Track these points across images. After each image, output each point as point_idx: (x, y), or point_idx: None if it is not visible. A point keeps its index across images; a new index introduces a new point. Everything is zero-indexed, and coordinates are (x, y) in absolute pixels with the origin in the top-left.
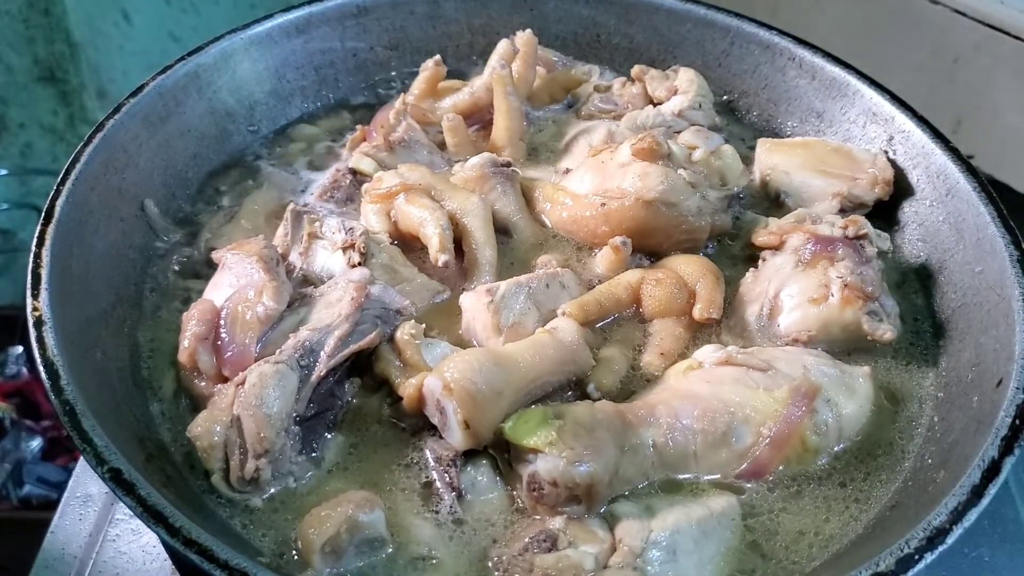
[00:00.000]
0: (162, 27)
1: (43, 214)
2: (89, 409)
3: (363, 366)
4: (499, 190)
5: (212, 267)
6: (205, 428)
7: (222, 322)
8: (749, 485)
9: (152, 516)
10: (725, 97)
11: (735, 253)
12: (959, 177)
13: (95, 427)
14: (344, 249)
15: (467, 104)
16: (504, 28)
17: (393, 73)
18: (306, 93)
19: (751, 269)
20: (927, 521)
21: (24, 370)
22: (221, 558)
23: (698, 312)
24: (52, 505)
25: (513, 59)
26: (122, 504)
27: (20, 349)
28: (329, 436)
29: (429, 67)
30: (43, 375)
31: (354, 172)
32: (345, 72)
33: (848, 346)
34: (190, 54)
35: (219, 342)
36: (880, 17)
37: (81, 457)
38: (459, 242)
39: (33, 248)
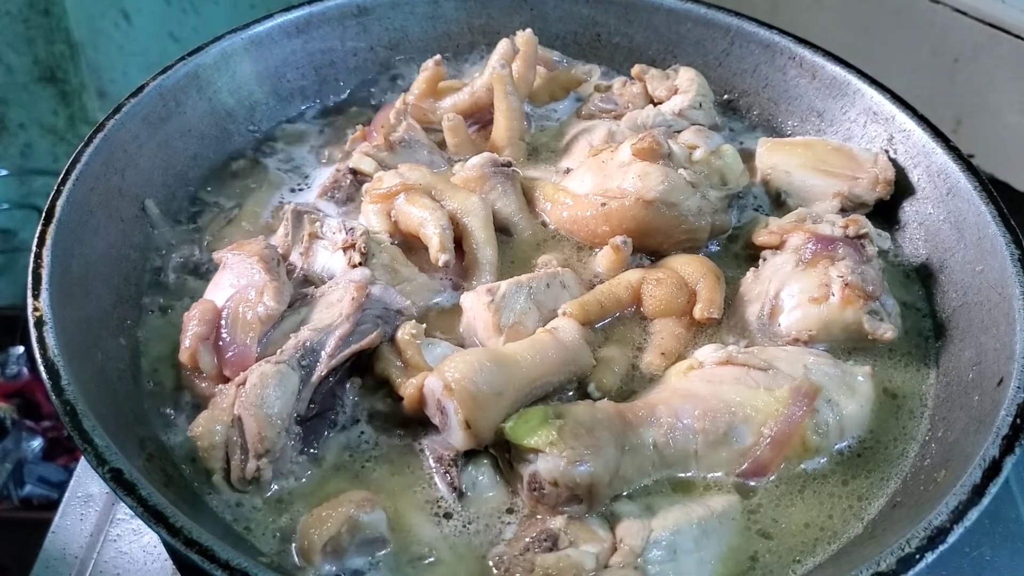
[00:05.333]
0: (162, 27)
1: (43, 214)
2: (90, 409)
3: (364, 366)
4: (499, 190)
5: (212, 267)
6: (206, 428)
7: (223, 322)
8: (751, 483)
9: (153, 516)
10: (726, 96)
11: (736, 253)
12: (959, 176)
13: (96, 427)
14: (345, 249)
15: (467, 104)
16: (504, 28)
17: (393, 73)
18: (306, 93)
19: (751, 269)
20: (928, 520)
21: (25, 370)
22: (222, 558)
23: (698, 312)
24: (53, 505)
25: (513, 59)
26: (123, 504)
27: (21, 349)
28: (330, 436)
29: (429, 67)
30: (44, 375)
31: (354, 172)
32: (345, 72)
33: (849, 345)
34: (190, 54)
35: (220, 342)
36: (880, 17)
37: (82, 457)
38: (459, 242)
39: (33, 248)
